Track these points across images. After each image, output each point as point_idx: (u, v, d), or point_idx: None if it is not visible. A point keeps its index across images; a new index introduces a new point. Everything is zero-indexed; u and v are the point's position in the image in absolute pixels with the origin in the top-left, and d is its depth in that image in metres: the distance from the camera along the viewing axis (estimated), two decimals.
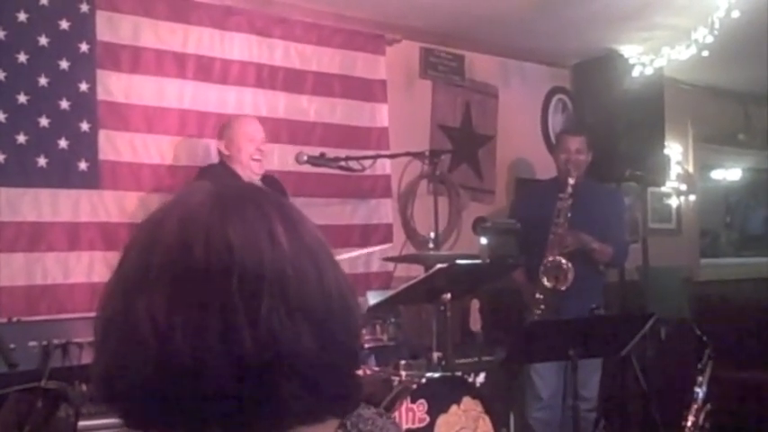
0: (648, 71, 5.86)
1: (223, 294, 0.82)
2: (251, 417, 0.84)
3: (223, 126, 4.33)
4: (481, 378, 4.45)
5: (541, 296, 4.59)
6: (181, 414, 0.83)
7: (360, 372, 0.97)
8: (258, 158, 4.22)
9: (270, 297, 0.83)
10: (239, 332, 0.81)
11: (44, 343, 3.24)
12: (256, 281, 0.83)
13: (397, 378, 3.46)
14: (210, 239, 0.85)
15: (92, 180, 4.22)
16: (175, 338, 0.81)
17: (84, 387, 3.34)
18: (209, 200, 0.89)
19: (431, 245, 4.10)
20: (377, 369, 3.60)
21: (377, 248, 4.78)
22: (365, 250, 4.73)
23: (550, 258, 4.59)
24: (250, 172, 4.19)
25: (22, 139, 4.02)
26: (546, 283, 4.56)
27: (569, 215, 4.63)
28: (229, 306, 0.82)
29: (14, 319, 3.43)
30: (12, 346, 2.90)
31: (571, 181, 4.68)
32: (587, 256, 4.71)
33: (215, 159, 4.42)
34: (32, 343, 3.22)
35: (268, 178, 4.35)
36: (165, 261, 0.85)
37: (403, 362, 3.59)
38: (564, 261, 4.56)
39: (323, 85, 5.09)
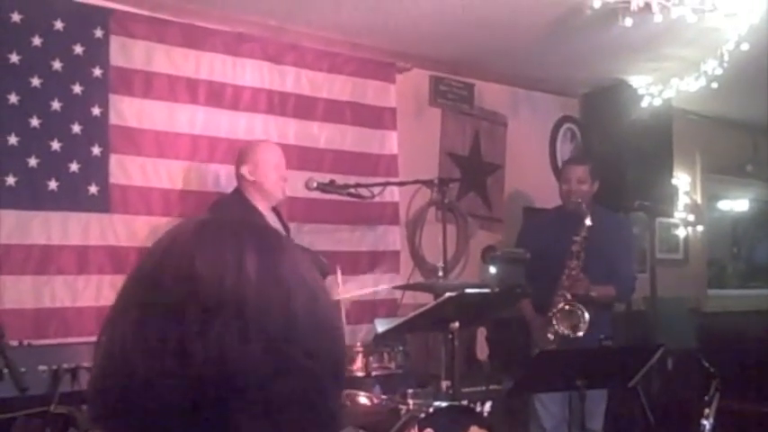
0: (657, 102, 5.88)
1: (182, 314, 0.88)
2: None
3: (244, 151, 4.27)
4: (488, 407, 4.43)
5: (553, 337, 4.55)
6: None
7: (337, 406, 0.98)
8: (283, 185, 4.22)
9: (224, 321, 0.88)
10: (191, 351, 0.87)
11: (54, 367, 3.24)
12: (214, 305, 0.89)
13: (404, 407, 3.45)
14: (179, 266, 0.92)
15: (102, 204, 4.23)
16: (134, 356, 0.88)
17: None
18: (191, 230, 0.97)
19: (440, 273, 4.10)
20: (384, 397, 3.58)
21: (384, 287, 4.78)
22: (373, 289, 4.72)
23: (567, 306, 4.55)
24: (274, 198, 4.18)
25: (33, 162, 4.03)
26: (562, 330, 4.52)
27: (583, 256, 4.60)
28: (185, 325, 0.87)
29: (25, 343, 3.43)
30: (22, 369, 2.90)
31: (588, 222, 4.63)
32: (588, 299, 4.67)
33: (224, 184, 4.44)
34: (42, 367, 3.21)
35: (275, 210, 4.37)
36: (139, 286, 0.93)
37: (410, 390, 3.58)
38: (581, 310, 4.50)
39: (333, 112, 5.12)
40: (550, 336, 4.56)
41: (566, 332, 4.51)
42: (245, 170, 4.16)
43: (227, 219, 1.02)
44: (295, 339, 0.92)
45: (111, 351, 0.91)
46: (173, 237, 0.96)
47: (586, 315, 4.49)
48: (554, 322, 4.54)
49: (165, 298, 0.90)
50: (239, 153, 4.29)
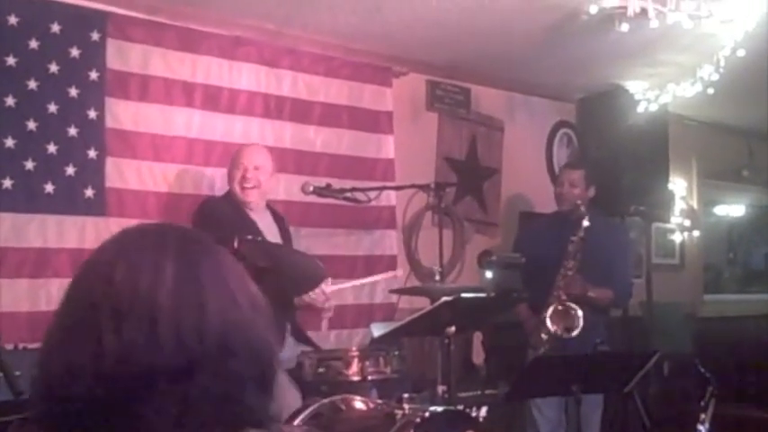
0: (653, 107, 5.88)
1: (96, 319, 0.96)
2: (115, 424, 0.95)
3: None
4: (483, 412, 4.43)
5: (547, 337, 4.56)
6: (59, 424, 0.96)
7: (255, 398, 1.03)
8: (247, 186, 4.17)
9: (136, 321, 0.95)
10: (105, 351, 0.94)
11: None
12: (126, 306, 0.96)
13: (400, 411, 3.44)
14: (98, 274, 1.00)
15: (98, 207, 4.23)
16: (54, 357, 0.97)
17: None
18: (115, 238, 1.06)
19: (437, 277, 4.10)
20: (380, 402, 3.58)
21: (381, 276, 4.76)
22: (372, 278, 4.71)
23: (561, 306, 4.56)
24: (240, 199, 4.18)
25: (30, 165, 4.03)
26: (552, 328, 4.53)
27: (579, 258, 4.62)
28: (98, 325, 0.95)
29: (21, 347, 3.42)
30: (17, 373, 2.89)
31: (586, 223, 4.64)
32: (586, 300, 4.68)
33: (220, 188, 4.44)
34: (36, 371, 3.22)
35: (274, 211, 4.37)
36: (67, 291, 1.03)
37: (406, 395, 3.57)
38: (575, 309, 4.52)
39: (330, 116, 5.12)
40: (544, 336, 4.56)
41: (559, 332, 4.52)
42: (228, 179, 4.24)
43: (152, 225, 1.11)
44: (208, 338, 0.97)
45: (41, 348, 1.00)
46: (101, 245, 1.05)
47: (580, 314, 4.49)
48: (547, 323, 4.54)
49: (85, 300, 0.98)
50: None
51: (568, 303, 4.54)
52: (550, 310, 4.56)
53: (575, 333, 4.48)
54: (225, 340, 0.99)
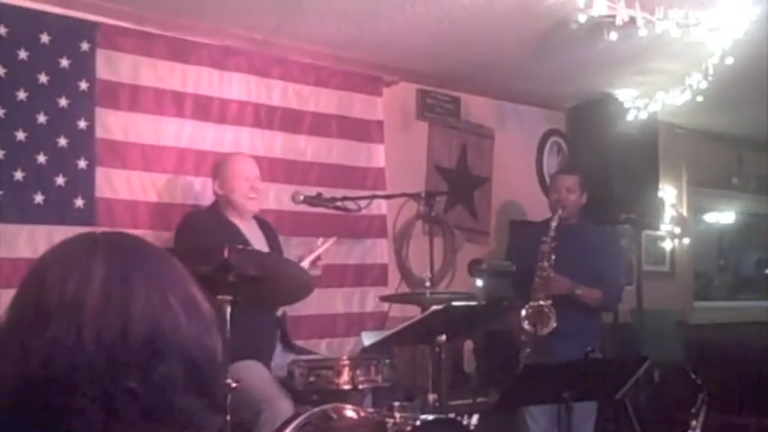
0: (643, 115, 5.90)
1: (22, 322, 0.99)
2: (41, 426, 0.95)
3: (216, 165, 4.34)
4: (475, 420, 4.43)
5: (526, 339, 4.58)
6: None
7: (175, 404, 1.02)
8: (254, 197, 4.23)
9: (60, 323, 0.96)
10: (30, 353, 0.95)
11: None
12: (53, 310, 0.98)
13: (391, 420, 3.44)
14: (32, 280, 1.03)
15: (88, 217, 4.21)
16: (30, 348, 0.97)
17: None
18: (55, 245, 1.09)
19: (427, 285, 4.11)
20: (371, 411, 3.58)
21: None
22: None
23: (532, 303, 4.59)
24: (245, 210, 4.20)
25: (19, 175, 4.02)
26: (527, 327, 4.56)
27: (554, 257, 4.64)
28: (25, 331, 0.97)
29: None
30: None
31: (553, 224, 4.70)
32: (573, 299, 4.71)
33: (211, 198, 4.43)
34: None
35: (261, 220, 4.37)
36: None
37: (397, 403, 3.57)
38: (546, 305, 4.55)
39: (320, 125, 5.12)
40: (523, 338, 4.59)
41: (534, 331, 4.53)
42: (215, 185, 4.23)
43: (91, 233, 1.12)
44: (132, 339, 0.98)
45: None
46: (43, 253, 1.08)
47: (549, 308, 4.52)
48: (524, 324, 4.56)
49: (18, 305, 1.01)
50: (212, 167, 4.36)
51: (540, 302, 4.56)
52: (524, 312, 4.59)
53: (546, 331, 4.51)
54: (152, 342, 1.00)
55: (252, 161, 4.35)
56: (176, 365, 1.00)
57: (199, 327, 1.05)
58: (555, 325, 4.51)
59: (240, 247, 3.47)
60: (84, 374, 0.95)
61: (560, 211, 4.76)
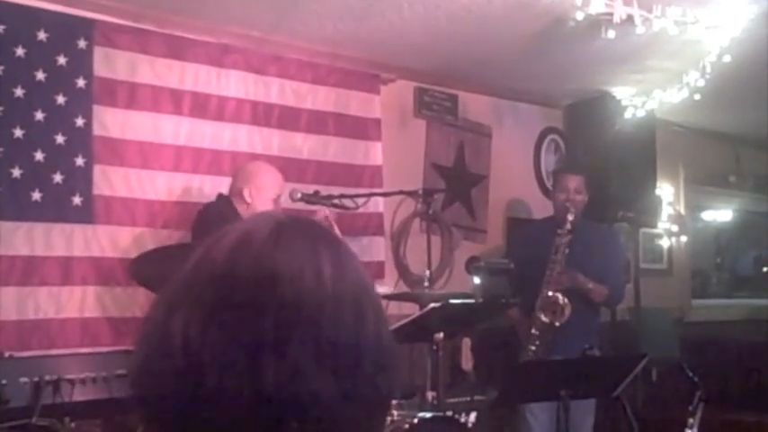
0: (640, 113, 5.91)
1: (257, 323, 0.82)
2: None
3: (249, 173, 4.23)
4: (472, 418, 4.44)
5: (537, 332, 4.59)
6: (191, 430, 0.83)
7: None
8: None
9: (302, 335, 0.82)
10: (264, 364, 0.81)
11: (35, 379, 3.22)
12: (292, 316, 0.82)
13: (389, 418, 3.45)
14: (258, 267, 0.85)
15: (86, 215, 4.22)
16: (203, 356, 0.81)
17: (73, 424, 3.31)
18: (266, 228, 0.89)
19: (425, 283, 4.11)
20: None
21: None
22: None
23: (549, 294, 4.60)
24: None
25: (17, 173, 4.02)
26: (543, 318, 4.57)
27: (567, 252, 4.65)
28: (260, 335, 0.81)
29: (6, 355, 3.41)
30: (3, 381, 2.89)
31: (570, 217, 4.69)
32: (583, 296, 4.72)
33: (209, 195, 4.43)
34: (24, 379, 3.20)
35: None
36: (209, 280, 0.85)
37: (395, 401, 3.57)
38: (561, 297, 4.56)
39: (317, 122, 5.12)
40: (534, 331, 4.59)
41: (547, 320, 4.55)
42: (246, 192, 4.12)
43: (299, 219, 0.95)
44: (363, 362, 0.86)
45: (165, 343, 0.84)
46: (244, 231, 0.90)
47: (567, 302, 4.53)
48: (538, 312, 4.57)
49: (241, 296, 0.83)
50: (242, 172, 4.25)
51: (555, 293, 4.57)
52: (539, 301, 4.59)
53: (560, 322, 4.52)
54: (374, 362, 0.87)
55: (282, 178, 4.30)
56: (386, 388, 0.89)
57: (394, 341, 0.93)
58: (569, 315, 4.52)
59: None
60: (320, 402, 0.82)
61: (572, 210, 4.74)
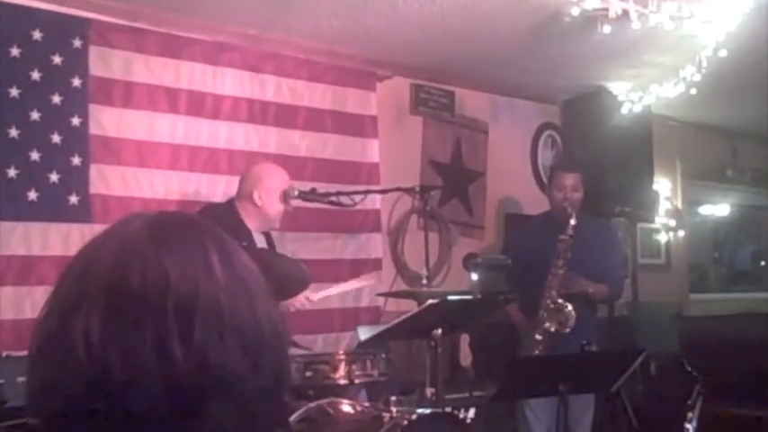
0: (637, 108, 5.91)
1: (158, 315, 0.85)
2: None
3: (259, 175, 4.16)
4: (471, 414, 4.43)
5: (541, 337, 4.58)
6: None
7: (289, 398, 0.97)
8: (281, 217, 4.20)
9: (203, 321, 0.86)
10: (172, 351, 0.84)
11: None
12: (190, 307, 0.86)
13: (387, 414, 3.44)
14: (147, 266, 0.87)
15: (82, 214, 4.22)
16: (108, 356, 0.83)
17: None
18: (145, 228, 0.92)
19: (423, 280, 4.10)
20: (367, 405, 3.57)
21: (364, 283, 4.75)
22: (352, 285, 4.67)
23: (552, 304, 4.58)
24: (272, 225, 4.16)
25: (12, 173, 4.02)
26: (549, 327, 4.56)
27: (570, 255, 4.63)
28: (163, 326, 0.84)
29: (4, 354, 3.41)
30: (1, 381, 2.88)
31: (573, 222, 4.66)
32: (584, 296, 4.71)
33: (205, 193, 4.43)
34: (21, 379, 3.20)
35: None
36: (101, 283, 0.87)
37: (393, 398, 3.57)
38: (568, 306, 4.54)
39: (314, 120, 5.12)
40: (538, 336, 4.58)
41: (553, 329, 4.54)
42: (255, 195, 4.06)
43: (181, 216, 0.99)
44: (263, 340, 0.91)
45: (66, 352, 0.85)
46: (123, 234, 0.92)
47: (572, 309, 4.52)
48: (545, 323, 4.56)
49: (137, 296, 0.86)
50: (251, 175, 4.18)
51: (560, 301, 4.56)
52: (544, 310, 4.59)
53: (568, 329, 4.51)
54: (273, 342, 0.93)
55: (288, 178, 4.26)
56: (284, 368, 0.96)
57: (282, 323, 0.98)
58: (574, 323, 4.51)
59: (244, 243, 3.45)
60: (230, 378, 0.87)
61: (571, 210, 4.72)
